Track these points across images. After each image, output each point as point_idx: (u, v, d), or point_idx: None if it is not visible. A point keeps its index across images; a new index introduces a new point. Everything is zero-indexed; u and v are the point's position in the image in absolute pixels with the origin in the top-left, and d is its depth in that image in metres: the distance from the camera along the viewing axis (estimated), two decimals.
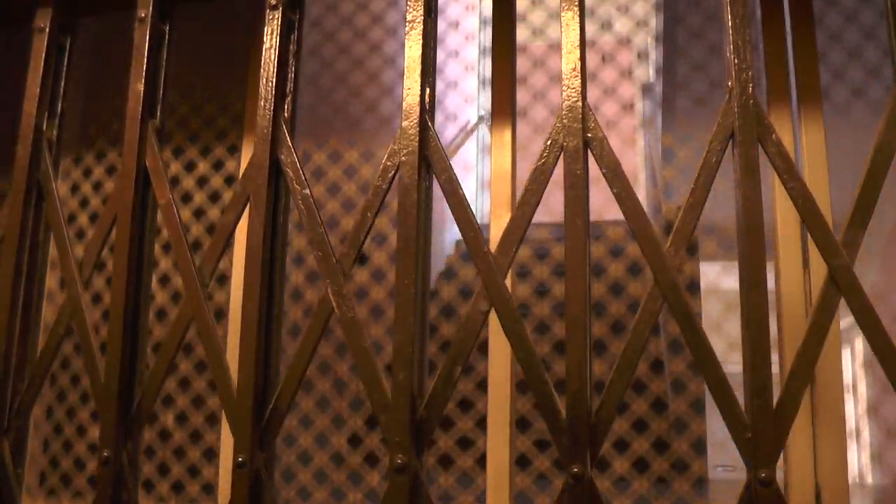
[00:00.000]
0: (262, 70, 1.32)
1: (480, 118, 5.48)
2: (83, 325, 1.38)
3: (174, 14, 1.50)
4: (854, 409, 3.76)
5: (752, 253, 1.12)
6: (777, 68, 1.78)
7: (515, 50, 1.69)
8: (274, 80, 1.31)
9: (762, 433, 1.08)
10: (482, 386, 3.00)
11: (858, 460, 3.73)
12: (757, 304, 1.10)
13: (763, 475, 1.07)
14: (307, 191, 1.26)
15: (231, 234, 1.30)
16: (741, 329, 1.14)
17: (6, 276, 1.43)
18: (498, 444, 1.55)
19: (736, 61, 1.17)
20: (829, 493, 1.40)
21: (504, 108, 1.66)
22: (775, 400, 1.10)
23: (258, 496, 1.20)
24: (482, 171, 5.42)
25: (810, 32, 1.52)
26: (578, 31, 1.19)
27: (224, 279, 2.87)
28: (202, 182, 2.99)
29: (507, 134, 1.65)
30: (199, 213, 2.98)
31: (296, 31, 1.37)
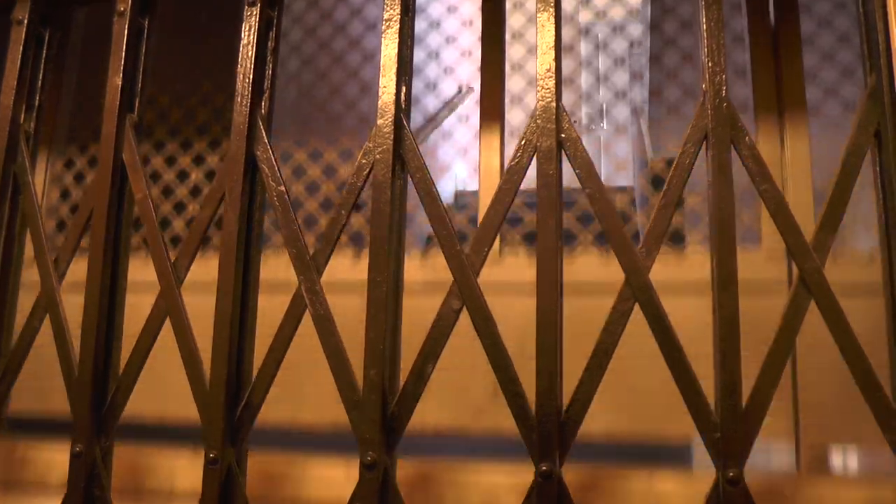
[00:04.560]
0: (239, 66, 1.32)
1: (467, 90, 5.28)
2: (58, 319, 1.37)
3: (154, 7, 1.49)
4: None
5: (724, 253, 1.13)
6: (763, 74, 1.79)
7: (504, 49, 1.69)
8: (251, 76, 1.31)
9: (731, 433, 1.08)
10: None
11: None
12: (728, 303, 1.11)
13: (731, 474, 1.08)
14: (282, 187, 1.26)
15: (206, 230, 1.30)
16: (713, 328, 1.14)
17: None
18: None
19: (710, 64, 1.17)
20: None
21: (492, 107, 1.66)
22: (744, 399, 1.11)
23: (230, 493, 1.20)
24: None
25: (795, 38, 1.53)
26: (554, 33, 1.19)
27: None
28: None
29: (496, 131, 1.66)
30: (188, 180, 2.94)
31: (274, 28, 1.37)
